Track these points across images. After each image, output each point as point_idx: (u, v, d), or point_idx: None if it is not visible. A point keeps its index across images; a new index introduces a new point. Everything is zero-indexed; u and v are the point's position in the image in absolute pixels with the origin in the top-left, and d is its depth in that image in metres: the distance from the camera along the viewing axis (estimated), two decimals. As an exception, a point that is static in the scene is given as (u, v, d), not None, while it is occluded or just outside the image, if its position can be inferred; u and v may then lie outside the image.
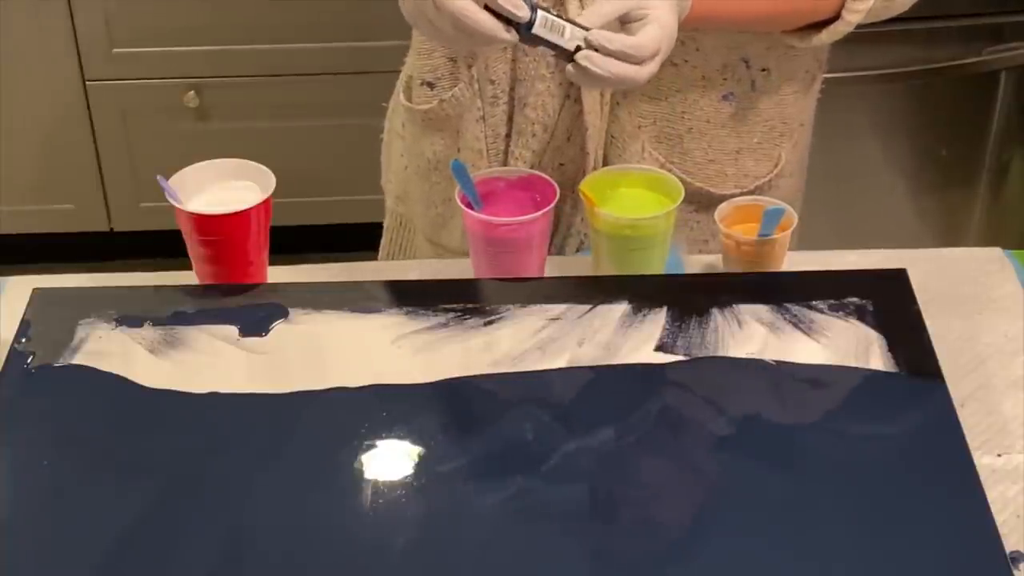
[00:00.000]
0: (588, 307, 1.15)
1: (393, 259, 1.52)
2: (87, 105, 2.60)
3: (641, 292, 1.16)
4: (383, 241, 1.54)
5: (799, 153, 1.41)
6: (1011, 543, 0.98)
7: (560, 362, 1.10)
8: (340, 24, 2.52)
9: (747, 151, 1.34)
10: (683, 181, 1.24)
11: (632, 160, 1.31)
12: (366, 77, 2.47)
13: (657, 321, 1.13)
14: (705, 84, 1.30)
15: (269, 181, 1.21)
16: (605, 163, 1.33)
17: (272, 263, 1.25)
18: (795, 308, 1.14)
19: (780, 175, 1.35)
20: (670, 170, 1.29)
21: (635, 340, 1.12)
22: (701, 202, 1.34)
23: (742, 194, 1.32)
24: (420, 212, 1.45)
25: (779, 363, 1.09)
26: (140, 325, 1.14)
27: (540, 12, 1.07)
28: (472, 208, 1.20)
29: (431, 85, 1.35)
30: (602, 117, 1.31)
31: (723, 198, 1.27)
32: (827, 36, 1.27)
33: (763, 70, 1.31)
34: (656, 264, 1.22)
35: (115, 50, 2.54)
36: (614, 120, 1.31)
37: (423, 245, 1.47)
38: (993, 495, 1.00)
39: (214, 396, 1.08)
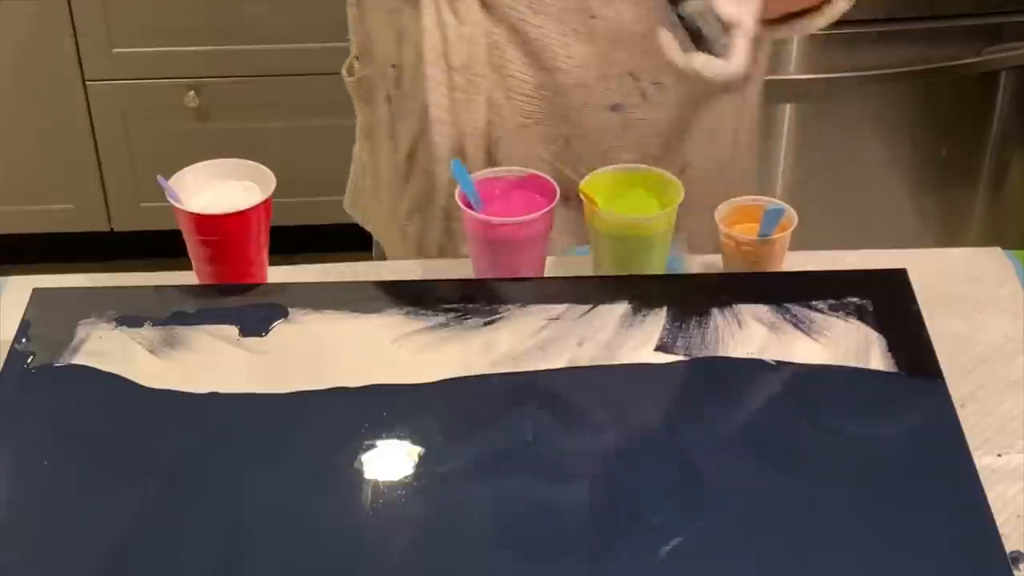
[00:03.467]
0: (588, 307, 1.15)
1: (356, 202, 1.58)
2: (87, 105, 2.60)
3: (641, 292, 1.16)
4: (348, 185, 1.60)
5: (718, 160, 1.41)
6: (1011, 543, 0.98)
7: (560, 362, 1.10)
8: (340, 24, 2.52)
9: (650, 158, 1.32)
10: (574, 181, 1.25)
11: (519, 161, 1.31)
12: (366, 77, 2.47)
13: (657, 321, 1.13)
14: (583, 91, 1.31)
15: (269, 181, 1.21)
16: (492, 162, 1.34)
17: (272, 263, 1.25)
18: (795, 308, 1.14)
19: (689, 181, 1.31)
20: (560, 170, 1.31)
21: (635, 340, 1.12)
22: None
23: None
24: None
25: (779, 363, 1.09)
26: (140, 325, 1.14)
27: None
28: (472, 208, 1.20)
29: (357, 59, 1.46)
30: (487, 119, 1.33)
31: None
32: (823, 19, 1.29)
33: (655, 83, 1.32)
34: (656, 264, 1.22)
35: (115, 50, 2.54)
36: (497, 118, 1.33)
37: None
38: (993, 495, 1.00)
39: (214, 396, 1.08)
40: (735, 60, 1.12)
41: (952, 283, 1.25)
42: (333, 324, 1.15)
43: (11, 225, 2.74)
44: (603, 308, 1.15)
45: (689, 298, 1.15)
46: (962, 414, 1.06)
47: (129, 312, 1.16)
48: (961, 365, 1.15)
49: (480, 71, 1.31)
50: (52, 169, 2.68)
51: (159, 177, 1.21)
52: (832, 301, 1.15)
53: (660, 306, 1.15)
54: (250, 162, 1.23)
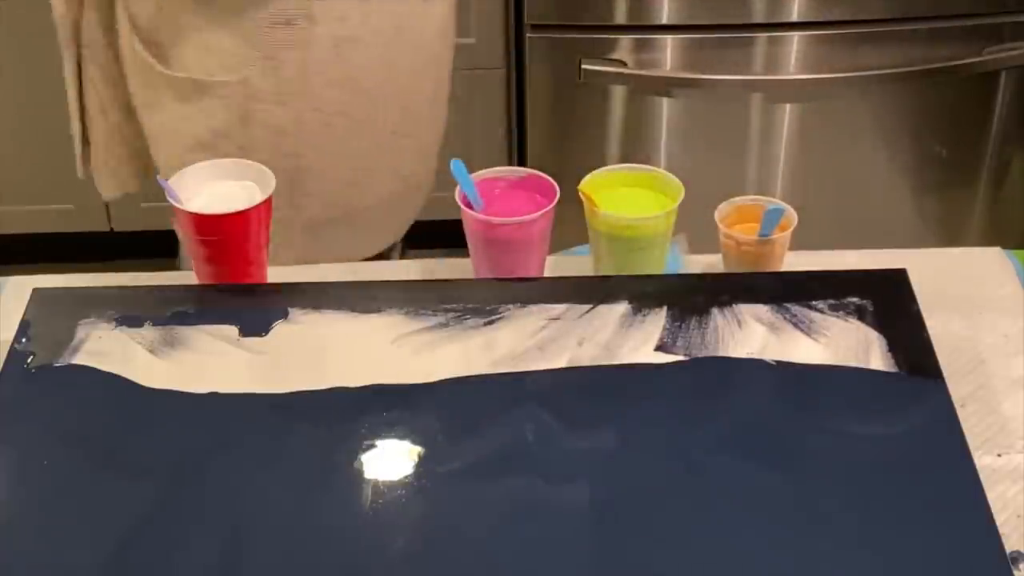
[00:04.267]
0: (588, 307, 1.15)
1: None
2: (87, 105, 2.59)
3: (641, 292, 1.16)
4: None
5: None
6: (1011, 543, 0.98)
7: (560, 362, 1.10)
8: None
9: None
10: None
11: None
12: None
13: (657, 321, 1.13)
14: None
15: (269, 181, 1.21)
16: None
17: (272, 263, 1.25)
18: (795, 308, 1.14)
19: None
20: None
21: (635, 340, 1.12)
22: None
23: None
24: None
25: (779, 363, 1.09)
26: (140, 325, 1.14)
27: None
28: (472, 208, 1.20)
29: None
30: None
31: None
32: None
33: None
34: (656, 264, 1.22)
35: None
36: None
37: None
38: (993, 495, 1.00)
39: (214, 396, 1.08)
40: None
41: (952, 283, 1.25)
42: (333, 324, 1.14)
43: (11, 225, 2.74)
44: (603, 308, 1.15)
45: (689, 298, 1.15)
46: (962, 414, 1.06)
47: (129, 312, 1.16)
48: (961, 365, 1.15)
49: None
50: (52, 169, 2.68)
51: (159, 177, 1.21)
52: (832, 301, 1.15)
53: (660, 306, 1.15)
54: (250, 162, 1.23)
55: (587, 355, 1.10)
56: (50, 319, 1.16)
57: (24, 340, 1.14)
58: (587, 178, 1.24)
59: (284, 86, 1.35)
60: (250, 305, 1.17)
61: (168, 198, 1.19)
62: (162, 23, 1.36)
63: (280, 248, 1.33)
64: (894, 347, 1.10)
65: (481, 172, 1.24)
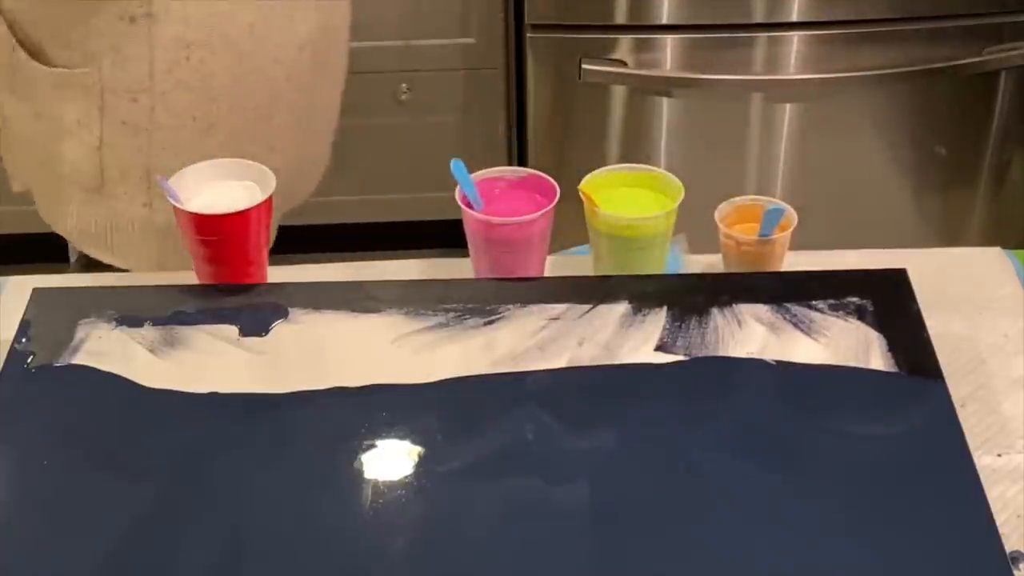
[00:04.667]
0: (588, 307, 1.15)
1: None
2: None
3: (641, 292, 1.16)
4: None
5: None
6: (1011, 543, 0.98)
7: (560, 362, 1.10)
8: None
9: None
10: None
11: None
12: (366, 77, 2.47)
13: (657, 321, 1.13)
14: None
15: (269, 181, 1.21)
16: None
17: (272, 263, 1.25)
18: (795, 308, 1.14)
19: None
20: None
21: (635, 340, 1.12)
22: None
23: None
24: None
25: (779, 363, 1.09)
26: (140, 325, 1.14)
27: None
28: (472, 208, 1.20)
29: None
30: None
31: None
32: None
33: None
34: (656, 264, 1.22)
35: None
36: None
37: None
38: (993, 495, 1.00)
39: (214, 396, 1.08)
40: None
41: (952, 283, 1.25)
42: (333, 324, 1.14)
43: (11, 225, 2.73)
44: (603, 308, 1.15)
45: (689, 298, 1.15)
46: (962, 414, 1.06)
47: (129, 312, 1.16)
48: (961, 365, 1.15)
49: None
50: (52, 169, 2.67)
51: (159, 177, 1.21)
52: (832, 301, 1.15)
53: (660, 306, 1.15)
54: (250, 162, 1.23)
55: (587, 355, 1.10)
56: (50, 319, 1.16)
57: (24, 340, 1.14)
58: (587, 178, 1.24)
59: (134, 83, 1.36)
60: (250, 305, 1.17)
61: (168, 198, 1.19)
62: (37, 18, 1.39)
63: (138, 248, 1.39)
64: (894, 347, 1.10)
65: (481, 172, 1.24)
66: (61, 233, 1.53)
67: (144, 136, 1.38)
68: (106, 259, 1.46)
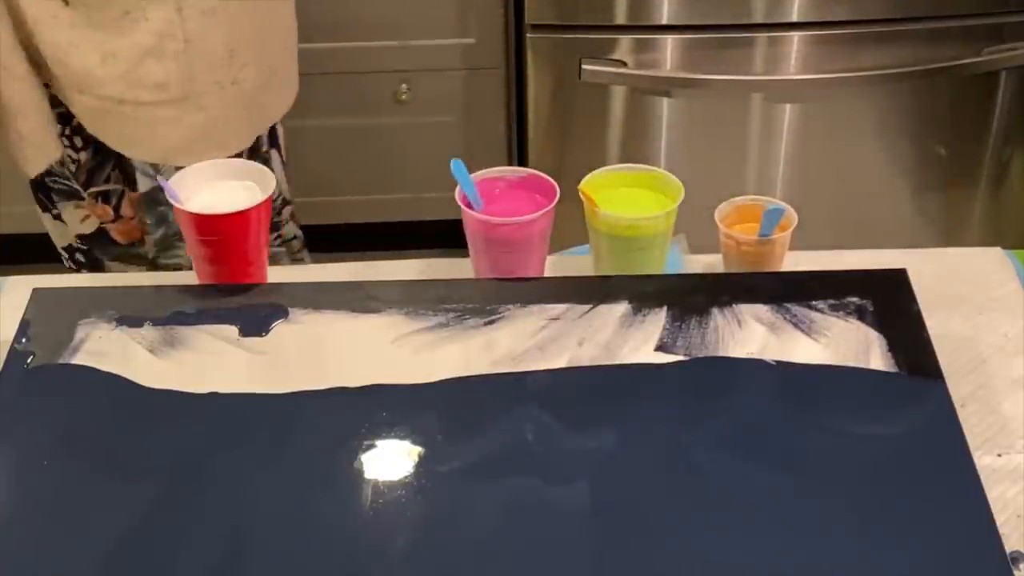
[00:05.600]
0: (588, 307, 1.15)
1: None
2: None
3: (641, 292, 1.16)
4: None
5: None
6: (1011, 543, 0.98)
7: (560, 362, 1.10)
8: (340, 24, 2.52)
9: None
10: None
11: None
12: (366, 77, 2.47)
13: (657, 321, 1.13)
14: None
15: (269, 181, 1.21)
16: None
17: (272, 263, 1.25)
18: (795, 308, 1.14)
19: None
20: None
21: (635, 340, 1.12)
22: None
23: None
24: None
25: (779, 363, 1.09)
26: (140, 325, 1.14)
27: None
28: (472, 208, 1.20)
29: None
30: None
31: None
32: None
33: None
34: (656, 264, 1.22)
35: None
36: None
37: None
38: (993, 495, 1.00)
39: (214, 396, 1.08)
40: None
41: (952, 283, 1.25)
42: (333, 324, 1.15)
43: (11, 225, 2.73)
44: (603, 308, 1.15)
45: (689, 298, 1.15)
46: (962, 414, 1.06)
47: (129, 312, 1.16)
48: (961, 365, 1.15)
49: None
50: (52, 169, 2.67)
51: (159, 177, 1.21)
52: (832, 301, 1.15)
53: (660, 306, 1.15)
54: (250, 162, 1.24)
55: (587, 355, 1.10)
56: (50, 319, 1.16)
57: (24, 340, 1.14)
58: (587, 178, 1.24)
59: None
60: (250, 305, 1.17)
61: (168, 198, 1.19)
62: None
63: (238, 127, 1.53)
64: (894, 347, 1.10)
65: (481, 172, 1.24)
66: (148, 159, 1.58)
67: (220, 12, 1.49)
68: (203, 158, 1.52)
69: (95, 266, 1.76)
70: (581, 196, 1.22)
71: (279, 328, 1.14)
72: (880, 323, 1.12)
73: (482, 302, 1.16)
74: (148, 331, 1.14)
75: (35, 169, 1.60)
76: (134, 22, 1.47)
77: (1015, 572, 0.95)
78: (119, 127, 1.55)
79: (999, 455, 1.07)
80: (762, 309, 1.14)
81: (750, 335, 1.12)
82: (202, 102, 1.54)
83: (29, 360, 1.12)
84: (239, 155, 1.56)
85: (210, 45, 1.51)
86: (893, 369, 1.09)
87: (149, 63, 1.50)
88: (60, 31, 1.48)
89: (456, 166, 1.21)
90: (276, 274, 1.26)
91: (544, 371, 1.09)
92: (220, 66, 1.53)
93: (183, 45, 1.49)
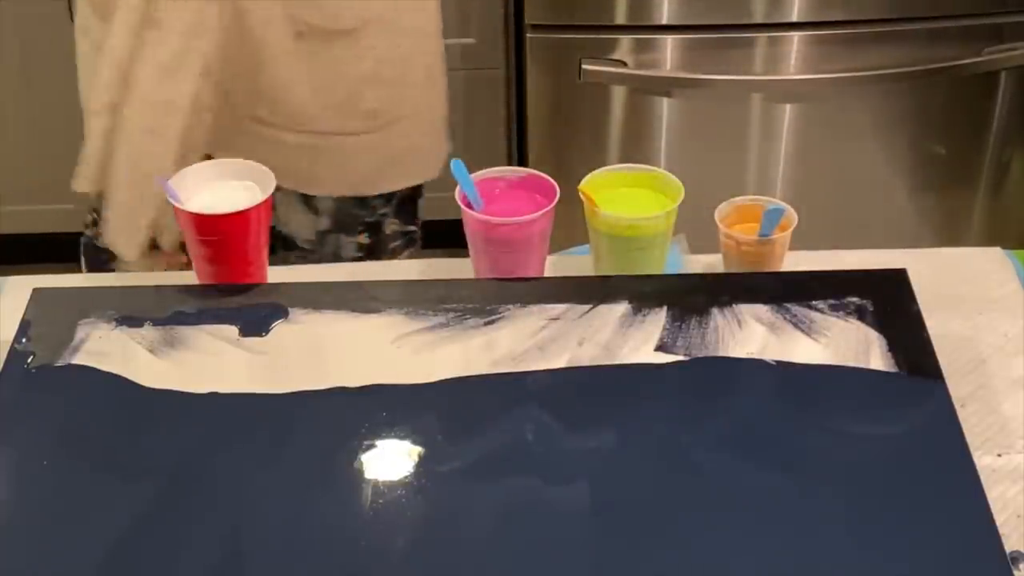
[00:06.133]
0: (588, 307, 1.15)
1: None
2: (87, 105, 2.59)
3: (641, 292, 1.16)
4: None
5: None
6: (1011, 543, 0.98)
7: (560, 362, 1.10)
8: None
9: None
10: None
11: None
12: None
13: (657, 321, 1.13)
14: None
15: (269, 181, 1.21)
16: None
17: (272, 263, 1.25)
18: (795, 308, 1.14)
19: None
20: None
21: (635, 340, 1.12)
22: None
23: None
24: None
25: (779, 363, 1.09)
26: (140, 325, 1.14)
27: None
28: (472, 208, 1.20)
29: None
30: None
31: None
32: None
33: None
34: (656, 264, 1.22)
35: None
36: None
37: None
38: (993, 495, 1.00)
39: (214, 396, 1.08)
40: None
41: (952, 283, 1.25)
42: (333, 324, 1.15)
43: (11, 225, 2.74)
44: (603, 308, 1.15)
45: (689, 298, 1.15)
46: (962, 414, 1.06)
47: (129, 312, 1.16)
48: (961, 365, 1.15)
49: None
50: (52, 169, 2.67)
51: (159, 177, 1.21)
52: (832, 301, 1.15)
53: (660, 306, 1.15)
54: (250, 162, 1.23)
55: (587, 355, 1.10)
56: (50, 319, 1.16)
57: (24, 340, 1.14)
58: (587, 178, 1.24)
59: None
60: (250, 305, 1.17)
61: (168, 198, 1.19)
62: None
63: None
64: (894, 347, 1.10)
65: (481, 172, 1.24)
66: (333, 193, 1.54)
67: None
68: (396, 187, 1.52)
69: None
70: (581, 196, 1.22)
71: (279, 328, 1.14)
72: (880, 323, 1.12)
73: (482, 302, 1.16)
74: (148, 331, 1.14)
75: (133, 257, 1.54)
76: (354, 48, 1.45)
77: (1015, 572, 0.95)
78: (310, 165, 1.51)
79: (999, 455, 1.07)
80: (762, 309, 1.14)
81: (750, 335, 1.12)
82: (403, 128, 1.52)
83: (29, 360, 1.12)
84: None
85: (413, 69, 1.50)
86: (893, 369, 1.09)
87: (364, 91, 1.47)
88: (290, 65, 1.45)
89: (456, 166, 1.21)
90: (276, 274, 1.26)
91: (544, 371, 1.09)
92: (420, 91, 1.52)
93: (400, 71, 1.48)
